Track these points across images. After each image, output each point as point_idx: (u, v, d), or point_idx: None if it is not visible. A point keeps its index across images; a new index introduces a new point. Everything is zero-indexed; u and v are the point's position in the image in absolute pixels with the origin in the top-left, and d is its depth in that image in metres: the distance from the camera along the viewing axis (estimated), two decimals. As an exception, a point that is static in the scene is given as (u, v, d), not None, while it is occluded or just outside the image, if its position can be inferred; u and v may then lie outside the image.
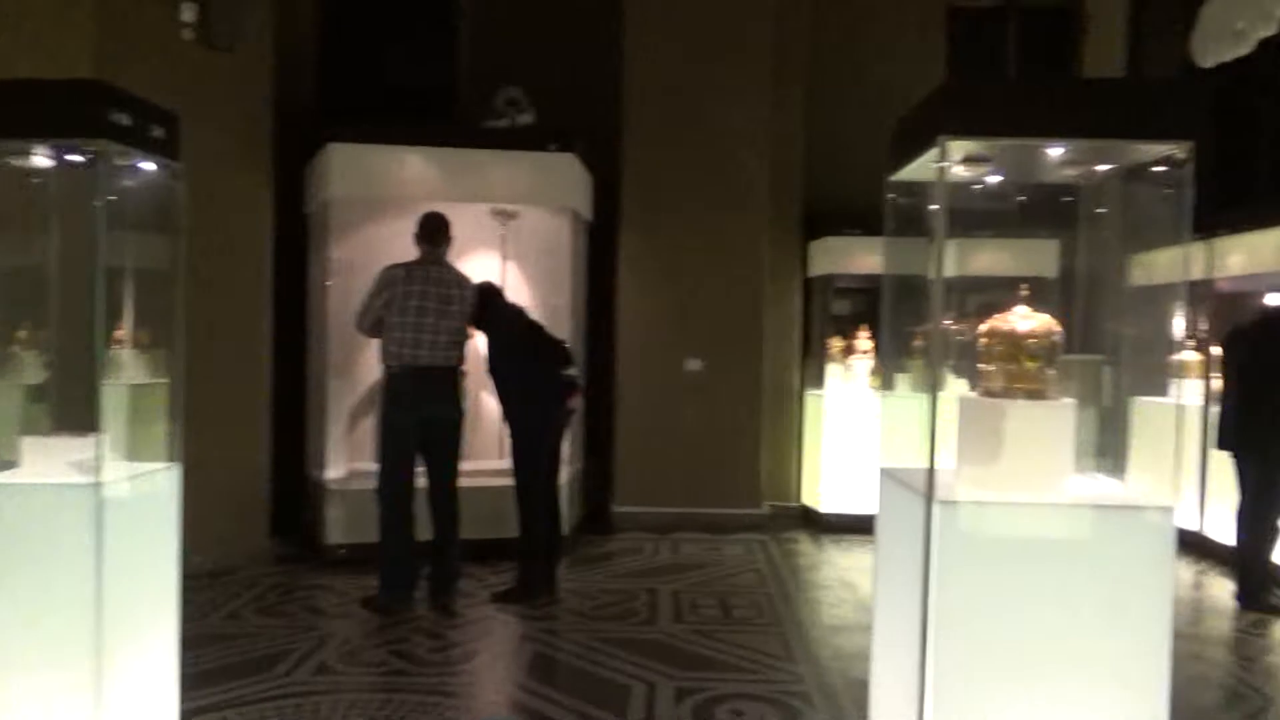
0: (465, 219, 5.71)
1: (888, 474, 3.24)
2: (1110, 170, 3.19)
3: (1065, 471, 2.94)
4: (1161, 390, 7.39)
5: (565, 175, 6.21)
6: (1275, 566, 5.34)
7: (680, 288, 6.99)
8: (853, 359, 7.12)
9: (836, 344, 7.22)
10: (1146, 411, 7.43)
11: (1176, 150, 2.79)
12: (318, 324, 6.11)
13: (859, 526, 6.28)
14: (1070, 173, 3.16)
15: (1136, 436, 7.46)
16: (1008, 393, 2.96)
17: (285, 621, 4.66)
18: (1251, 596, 5.26)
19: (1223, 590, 5.57)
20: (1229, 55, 6.77)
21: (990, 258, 6.82)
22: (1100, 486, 3.06)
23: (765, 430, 7.10)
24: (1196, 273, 6.89)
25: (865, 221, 6.35)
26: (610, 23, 7.12)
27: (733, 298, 6.99)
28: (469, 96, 7.44)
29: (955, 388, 4.30)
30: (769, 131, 7.07)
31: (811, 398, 7.31)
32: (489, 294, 5.15)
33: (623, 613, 4.92)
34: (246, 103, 5.79)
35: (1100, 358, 4.48)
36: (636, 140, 7.05)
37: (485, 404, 6.36)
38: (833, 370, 7.17)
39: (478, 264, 6.20)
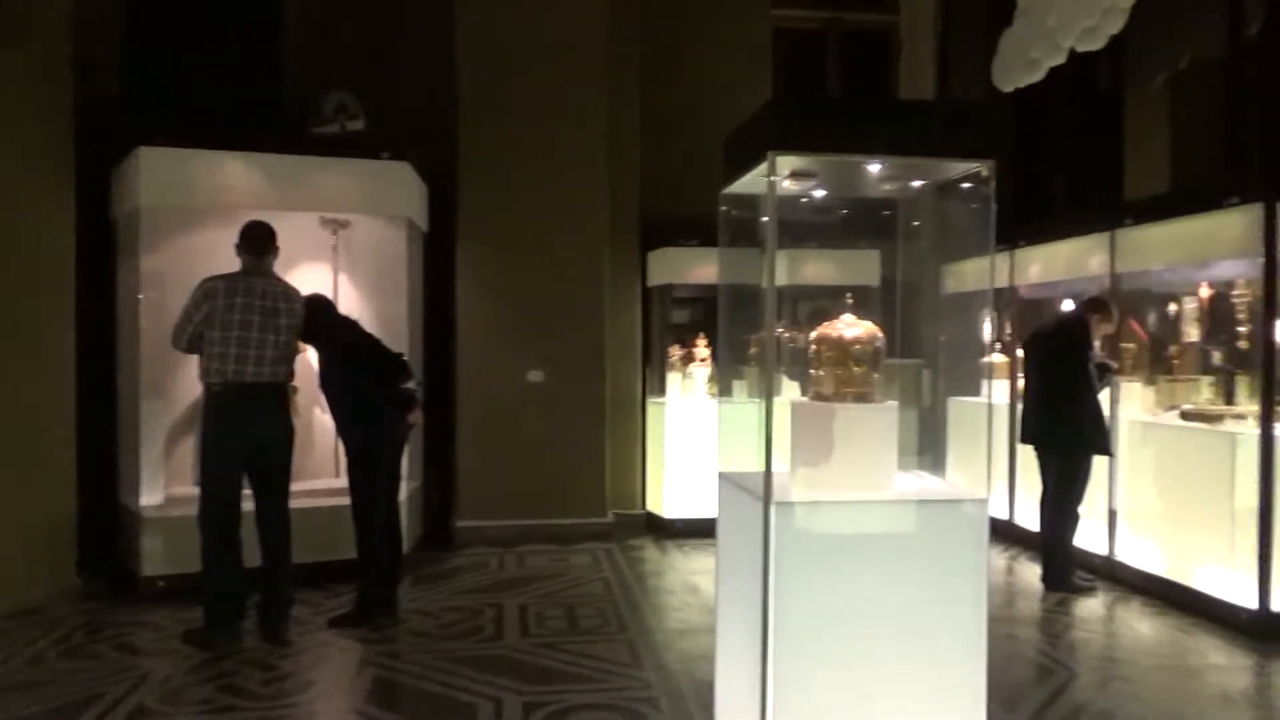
0: (293, 228, 5.46)
1: (726, 478, 3.33)
2: (923, 185, 3.41)
3: (890, 469, 3.11)
4: (975, 390, 7.97)
5: (399, 184, 6.05)
6: (1077, 550, 5.83)
7: (521, 298, 6.95)
8: (692, 367, 7.28)
9: (676, 352, 7.37)
10: (962, 410, 8.02)
11: (981, 168, 3.01)
12: (128, 339, 5.68)
13: (702, 530, 6.40)
14: (888, 187, 3.35)
15: (954, 433, 8.03)
16: (837, 396, 3.10)
17: (96, 663, 4.29)
18: (1056, 579, 5.72)
19: (1031, 574, 6.03)
20: (1025, 81, 7.39)
21: (819, 268, 7.19)
22: (922, 482, 3.26)
23: (609, 439, 7.15)
24: (1001, 281, 7.46)
25: (702, 232, 6.53)
26: (446, 30, 7.01)
27: (574, 308, 7.01)
28: (295, 101, 7.13)
29: (790, 392, 4.48)
30: (606, 143, 7.13)
31: (653, 405, 7.42)
32: (319, 307, 4.94)
33: (468, 630, 4.83)
34: (44, 102, 5.33)
35: (920, 361, 4.76)
36: (474, 150, 6.96)
37: (319, 421, 6.10)
38: (673, 378, 7.31)
39: (307, 275, 5.94)
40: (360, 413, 4.82)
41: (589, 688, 4.02)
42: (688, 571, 6.14)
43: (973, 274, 7.99)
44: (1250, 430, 4.99)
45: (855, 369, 3.11)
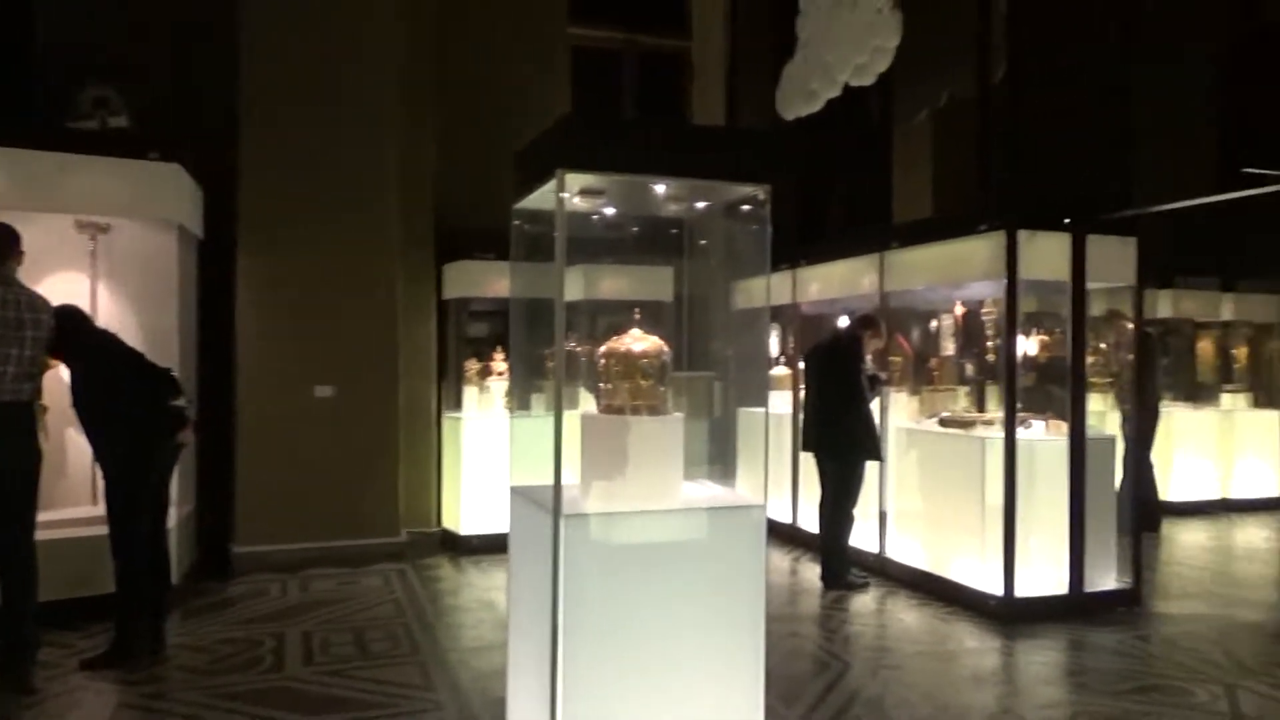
0: (44, 232, 4.95)
1: (518, 492, 3.32)
2: (708, 206, 3.55)
3: (677, 479, 3.21)
4: (763, 401, 8.35)
5: (169, 186, 5.61)
6: (852, 549, 6.24)
7: (308, 310, 6.62)
8: (489, 380, 7.21)
9: (473, 366, 7.27)
10: (750, 421, 8.35)
11: (759, 192, 3.17)
12: None
13: (500, 546, 6.26)
14: (675, 207, 3.47)
15: (744, 442, 8.36)
16: (625, 409, 3.17)
17: None
18: (834, 577, 6.10)
19: (812, 573, 6.39)
20: (805, 111, 7.89)
21: (615, 283, 7.33)
22: (706, 490, 3.38)
23: (402, 456, 6.94)
24: (784, 298, 7.89)
25: (500, 245, 6.47)
26: (228, 27, 6.60)
27: (365, 321, 6.76)
28: (49, 94, 6.49)
29: (588, 406, 4.50)
30: (400, 153, 6.95)
31: (449, 420, 7.28)
32: (69, 317, 4.49)
33: (245, 663, 4.53)
34: None
35: (711, 374, 4.95)
36: (256, 154, 6.57)
37: (73, 442, 5.54)
38: (470, 393, 7.20)
39: (60, 284, 5.39)
40: (119, 432, 4.43)
41: (378, 714, 3.87)
42: (484, 588, 6.06)
43: (760, 291, 8.46)
44: (997, 434, 5.53)
45: (643, 382, 3.19)
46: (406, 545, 6.87)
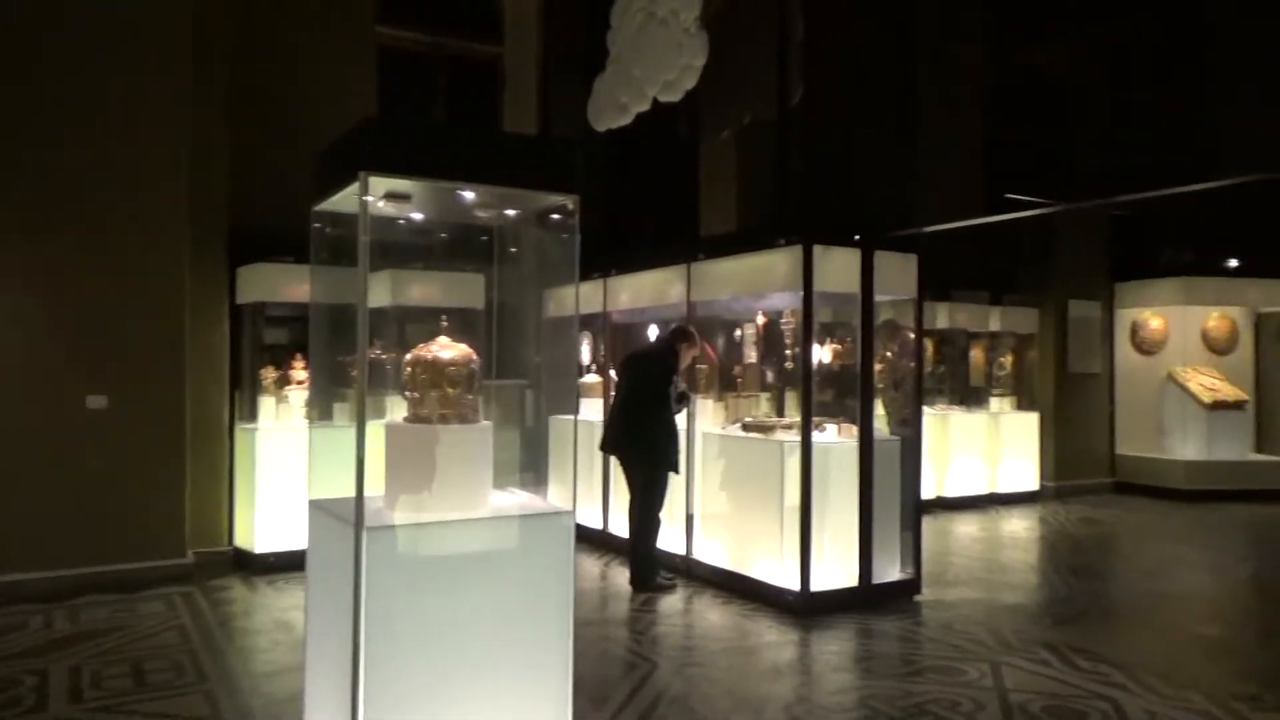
0: None
1: (317, 506, 3.18)
2: (518, 214, 3.56)
3: (485, 488, 3.18)
4: (575, 409, 8.43)
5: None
6: (660, 552, 6.39)
7: (78, 315, 6.04)
8: (288, 390, 6.86)
9: (270, 374, 6.89)
10: (562, 428, 8.42)
11: (567, 201, 3.21)
12: None
13: (298, 563, 5.99)
14: (483, 214, 3.45)
15: (557, 449, 8.40)
16: (433, 418, 3.11)
17: None
18: (642, 580, 6.23)
19: (622, 577, 6.49)
20: (616, 124, 8.03)
21: (423, 289, 7.15)
22: (515, 498, 3.37)
23: (190, 470, 6.47)
24: (595, 306, 7.99)
25: (300, 248, 6.17)
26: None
27: (147, 326, 6.25)
28: None
29: (398, 415, 4.36)
30: (188, 148, 6.49)
31: (244, 432, 6.86)
32: None
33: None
34: None
35: (524, 382, 4.92)
36: (11, 141, 5.94)
37: None
38: (267, 402, 6.82)
39: None
40: None
41: (159, 750, 3.59)
42: (280, 608, 5.75)
43: (571, 299, 8.53)
44: (795, 438, 5.83)
45: (451, 390, 3.15)
46: (194, 567, 6.41)
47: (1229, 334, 11.50)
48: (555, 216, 3.35)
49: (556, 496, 3.62)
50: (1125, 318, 11.60)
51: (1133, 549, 8.26)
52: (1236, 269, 11.68)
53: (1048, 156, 9.56)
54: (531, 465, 4.15)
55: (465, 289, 6.87)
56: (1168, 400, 11.10)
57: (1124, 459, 11.31)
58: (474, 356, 3.20)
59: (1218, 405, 10.78)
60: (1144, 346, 11.47)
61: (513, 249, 4.12)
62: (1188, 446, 10.82)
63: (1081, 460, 11.08)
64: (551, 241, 3.67)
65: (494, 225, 3.66)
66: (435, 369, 3.12)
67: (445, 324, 3.28)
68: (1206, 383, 11.03)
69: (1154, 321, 11.44)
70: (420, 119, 9.16)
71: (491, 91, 9.32)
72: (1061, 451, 10.86)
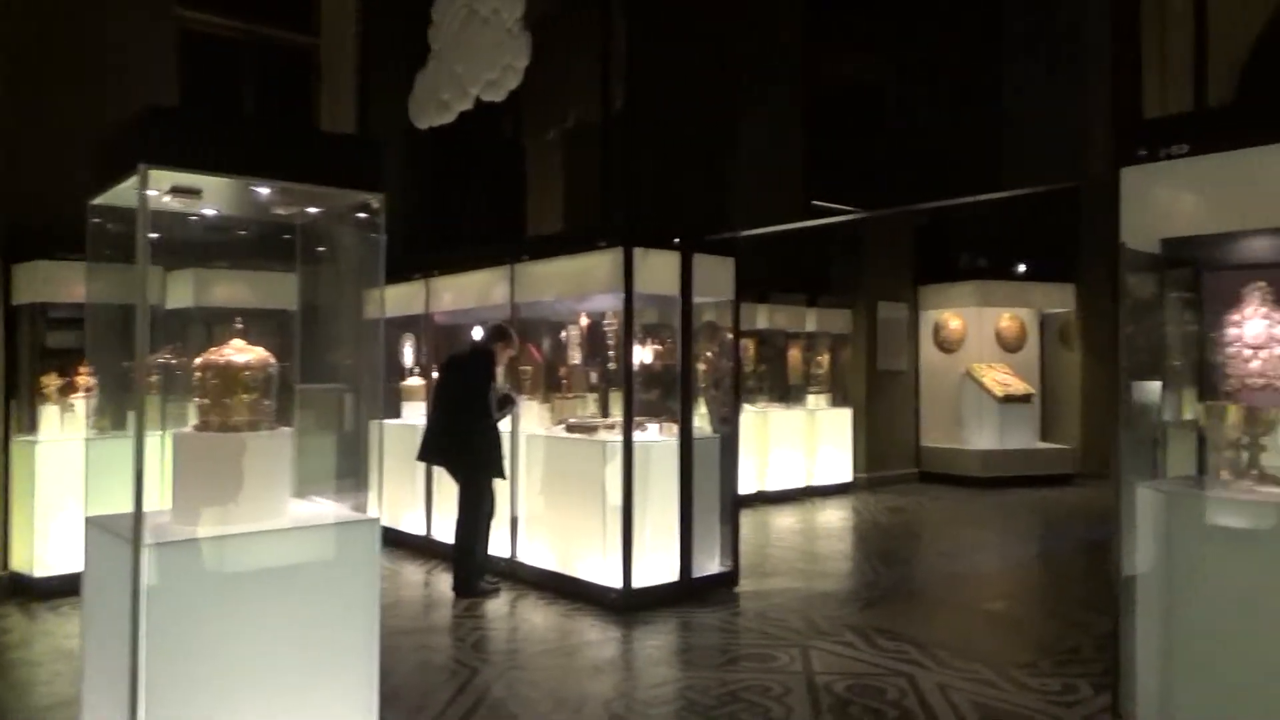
0: None
1: (94, 523, 2.95)
2: (322, 212, 3.43)
3: (283, 498, 3.05)
4: (397, 413, 8.21)
5: None
6: (487, 557, 6.31)
7: None
8: (74, 398, 6.32)
9: (53, 382, 6.32)
10: (385, 433, 8.14)
11: (372, 200, 3.12)
12: None
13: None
14: (283, 211, 3.30)
15: (378, 456, 8.11)
16: (225, 426, 2.95)
17: None
18: (466, 585, 6.13)
19: (446, 584, 6.37)
20: (438, 121, 7.88)
21: (232, 289, 6.77)
22: (316, 508, 3.25)
23: (-41, 489, 5.85)
24: (418, 308, 7.81)
25: (84, 244, 5.70)
26: None
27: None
28: None
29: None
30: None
31: (21, 445, 6.25)
32: None
33: None
34: None
35: (342, 386, 4.75)
36: None
37: None
38: (49, 412, 6.26)
39: None
40: None
41: (-89, 801, 3.23)
42: (63, 635, 5.29)
43: (394, 300, 8.30)
44: (617, 438, 5.90)
45: (245, 396, 3.00)
46: (-37, 595, 5.80)
47: (1019, 333, 12.54)
48: (361, 215, 3.25)
49: (375, 504, 3.52)
50: (928, 318, 12.43)
51: (933, 534, 8.86)
52: (1024, 274, 12.76)
53: (858, 165, 10.12)
54: (350, 472, 4.00)
55: (277, 289, 6.56)
56: (965, 394, 11.98)
57: (927, 450, 12.11)
58: (271, 360, 3.06)
59: (1008, 398, 11.74)
60: (945, 345, 12.33)
61: (320, 248, 3.97)
62: (982, 437, 11.71)
63: (890, 452, 11.79)
64: (359, 241, 3.57)
65: (297, 223, 3.52)
66: (228, 374, 2.96)
67: (239, 326, 3.12)
68: (999, 378, 11.99)
69: (953, 322, 12.32)
70: (207, 110, 8.65)
71: (307, 83, 8.91)
72: (872, 444, 11.52)
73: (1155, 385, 3.96)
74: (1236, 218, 3.62)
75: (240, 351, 3.03)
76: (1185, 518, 3.52)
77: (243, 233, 4.04)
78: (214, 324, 6.66)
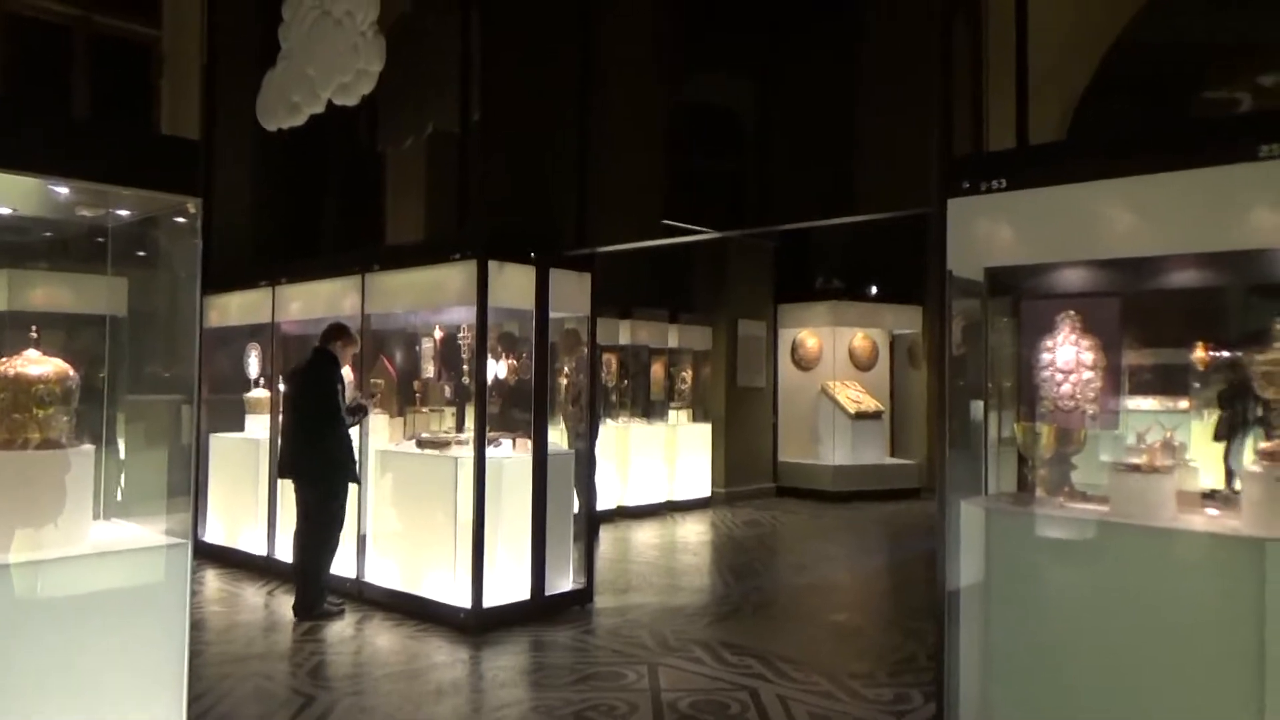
0: None
1: None
2: (134, 215, 3.21)
3: (84, 521, 2.82)
4: (239, 426, 7.82)
5: None
6: (331, 576, 6.05)
7: None
8: None
9: None
10: (224, 447, 7.79)
11: (189, 203, 2.94)
12: None
13: None
14: (88, 213, 3.07)
15: (217, 471, 7.73)
16: (14, 444, 2.71)
17: None
18: (307, 608, 5.87)
19: (286, 606, 6.07)
20: (288, 123, 7.57)
21: (48, 292, 6.26)
22: (122, 530, 3.02)
23: None
24: (264, 317, 7.47)
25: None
26: None
27: None
28: None
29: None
30: None
31: None
32: None
33: None
34: None
35: (180, 397, 4.47)
36: None
37: None
38: None
39: None
40: None
41: None
42: None
43: (239, 308, 7.91)
44: (470, 453, 5.78)
45: (39, 412, 2.76)
46: None
47: (871, 352, 13.05)
48: (179, 219, 3.07)
49: (195, 525, 3.31)
50: (786, 336, 12.79)
51: (786, 548, 9.08)
52: (876, 295, 13.30)
53: (715, 184, 10.34)
54: (174, 490, 3.76)
55: (104, 293, 6.13)
56: (821, 411, 12.37)
57: (785, 465, 12.44)
58: (70, 373, 2.83)
59: (860, 415, 12.19)
60: (802, 363, 12.71)
61: (140, 252, 3.74)
62: (836, 452, 12.11)
63: (748, 467, 12.04)
64: (178, 246, 3.37)
65: (108, 226, 3.29)
66: (19, 387, 2.72)
67: (35, 335, 2.88)
68: (852, 395, 12.44)
69: (810, 340, 12.72)
70: (63, 102, 8.09)
71: (145, 77, 8.40)
72: (731, 459, 11.73)
73: (979, 405, 4.17)
74: (1051, 249, 3.86)
75: (34, 363, 2.79)
76: (1003, 532, 3.72)
77: (47, 234, 3.75)
78: (28, 329, 6.20)
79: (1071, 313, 4.08)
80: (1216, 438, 4.00)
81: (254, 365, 7.94)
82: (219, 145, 7.79)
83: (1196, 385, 4.11)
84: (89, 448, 2.84)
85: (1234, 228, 3.38)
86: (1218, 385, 4.14)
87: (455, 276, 5.99)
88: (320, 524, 5.93)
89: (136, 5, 8.48)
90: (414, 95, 7.94)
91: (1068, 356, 3.92)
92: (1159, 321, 4.43)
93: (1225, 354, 4.20)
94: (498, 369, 6.36)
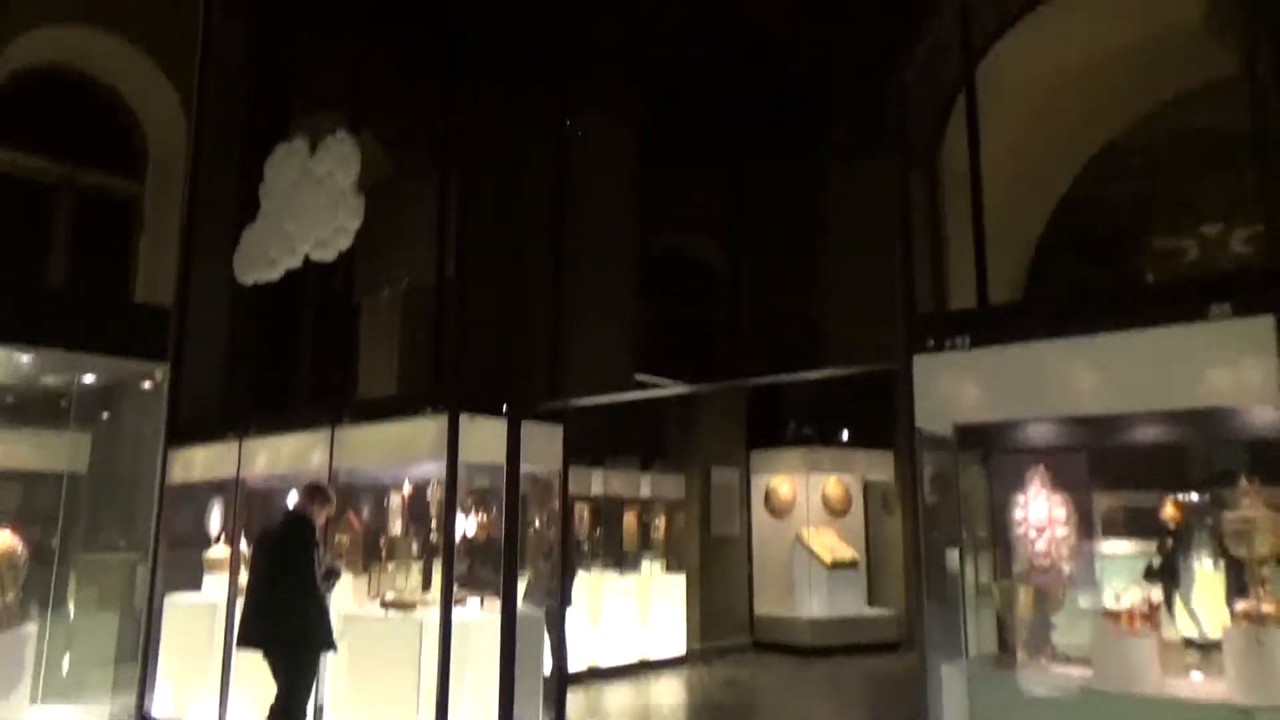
0: None
1: None
2: (101, 379, 3.18)
3: (22, 707, 2.65)
4: (197, 585, 7.52)
5: None
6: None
7: None
8: None
9: None
10: (179, 612, 7.42)
11: (156, 370, 2.92)
12: None
13: None
14: (52, 379, 3.04)
15: (170, 638, 7.35)
16: (-49, 623, 2.57)
17: None
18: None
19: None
20: (264, 278, 7.66)
21: (12, 450, 6.12)
22: (60, 717, 2.84)
23: None
24: (228, 471, 7.29)
25: None
26: None
27: None
28: None
29: None
30: None
31: None
32: None
33: None
34: None
35: (134, 555, 4.32)
36: None
37: None
38: None
39: None
40: None
41: None
42: None
43: (203, 462, 7.75)
44: (436, 615, 5.57)
45: (-19, 588, 2.63)
46: None
47: (845, 499, 12.97)
48: (146, 384, 3.03)
49: (155, 692, 3.11)
50: (759, 483, 12.71)
51: (768, 712, 8.71)
52: (848, 441, 13.34)
53: (687, 337, 10.51)
54: (130, 657, 3.56)
55: (66, 450, 5.99)
56: (796, 560, 12.15)
57: (760, 618, 12.10)
58: (17, 549, 2.73)
59: (836, 564, 11.99)
60: (776, 510, 12.58)
61: (105, 414, 3.69)
62: (813, 604, 11.82)
63: (724, 621, 11.70)
64: (143, 408, 3.33)
65: (71, 391, 3.25)
66: (-38, 563, 2.60)
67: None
68: (827, 543, 12.27)
69: (783, 487, 12.64)
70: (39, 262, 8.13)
71: (126, 232, 8.50)
72: (706, 613, 11.41)
73: (954, 555, 4.11)
74: (1017, 406, 3.91)
75: (-18, 535, 2.68)
76: (986, 699, 3.60)
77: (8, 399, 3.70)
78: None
79: (1041, 467, 4.10)
80: (1147, 577, 3.96)
81: (216, 521, 7.70)
82: (193, 296, 7.81)
83: (1170, 541, 4.09)
84: (29, 629, 2.70)
85: (1191, 386, 3.45)
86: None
87: (426, 431, 5.95)
88: (291, 695, 5.54)
89: (120, 162, 8.68)
90: (392, 249, 8.13)
91: (1040, 513, 3.91)
92: (1128, 468, 4.45)
93: (1194, 497, 4.22)
94: (467, 525, 6.23)
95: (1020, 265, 9.61)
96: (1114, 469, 4.33)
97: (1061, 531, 3.81)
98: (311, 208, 7.20)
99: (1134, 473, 4.41)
